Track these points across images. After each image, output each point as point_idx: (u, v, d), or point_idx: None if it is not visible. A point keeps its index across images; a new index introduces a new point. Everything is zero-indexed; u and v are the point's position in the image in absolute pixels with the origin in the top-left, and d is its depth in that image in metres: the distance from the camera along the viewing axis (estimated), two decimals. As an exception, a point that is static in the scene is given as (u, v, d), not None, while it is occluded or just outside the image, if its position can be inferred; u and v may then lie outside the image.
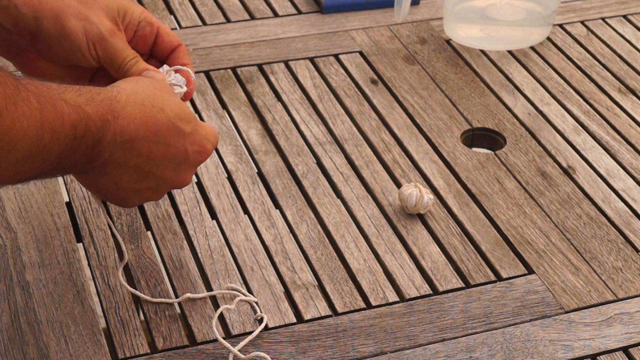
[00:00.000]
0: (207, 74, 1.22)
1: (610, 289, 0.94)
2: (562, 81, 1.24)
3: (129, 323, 0.88)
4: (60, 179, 1.03)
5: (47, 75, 0.90)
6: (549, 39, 1.32)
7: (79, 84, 0.81)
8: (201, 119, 1.14)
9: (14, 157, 0.71)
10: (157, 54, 0.94)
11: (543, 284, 0.94)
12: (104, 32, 0.88)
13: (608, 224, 1.01)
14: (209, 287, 0.92)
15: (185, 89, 0.90)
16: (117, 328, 0.87)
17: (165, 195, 1.01)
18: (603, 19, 1.37)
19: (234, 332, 0.87)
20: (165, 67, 0.91)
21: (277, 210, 1.01)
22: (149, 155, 0.83)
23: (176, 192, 1.02)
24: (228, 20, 1.33)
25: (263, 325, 0.87)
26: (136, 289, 0.91)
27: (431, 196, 1.00)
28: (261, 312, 0.89)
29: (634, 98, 1.21)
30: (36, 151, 0.73)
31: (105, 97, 0.79)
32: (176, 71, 0.90)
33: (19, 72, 0.91)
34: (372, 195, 1.04)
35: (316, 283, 0.93)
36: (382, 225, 1.00)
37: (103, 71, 0.91)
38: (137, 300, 0.90)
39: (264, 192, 1.03)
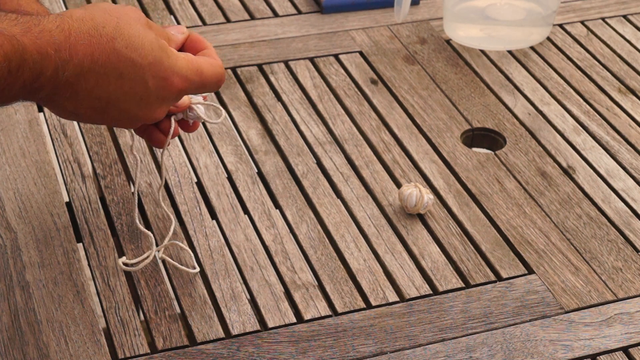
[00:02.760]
0: (207, 74, 1.22)
1: (610, 289, 0.94)
2: (562, 81, 1.24)
3: (129, 323, 0.88)
4: (60, 179, 1.03)
5: None
6: (549, 39, 1.32)
7: None
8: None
9: None
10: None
11: (543, 284, 0.94)
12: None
13: (608, 224, 1.01)
14: (209, 287, 0.92)
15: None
16: (117, 328, 0.87)
17: (166, 196, 1.01)
18: (603, 19, 1.37)
19: (234, 332, 0.87)
20: None
21: (277, 210, 1.01)
22: (101, 89, 0.77)
23: (176, 192, 1.02)
24: (228, 20, 1.33)
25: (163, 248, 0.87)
26: (136, 289, 0.91)
27: (431, 196, 1.00)
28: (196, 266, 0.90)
29: (634, 98, 1.21)
30: None
31: (46, 27, 0.74)
32: None
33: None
34: (372, 195, 1.04)
35: (316, 283, 0.93)
36: (382, 225, 1.00)
37: None
38: (137, 300, 0.90)
39: (264, 192, 1.04)
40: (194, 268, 0.93)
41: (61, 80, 0.75)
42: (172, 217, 0.94)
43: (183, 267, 0.92)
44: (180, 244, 0.94)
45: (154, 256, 0.92)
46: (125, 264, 0.92)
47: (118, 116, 0.81)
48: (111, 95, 0.79)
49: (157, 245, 0.95)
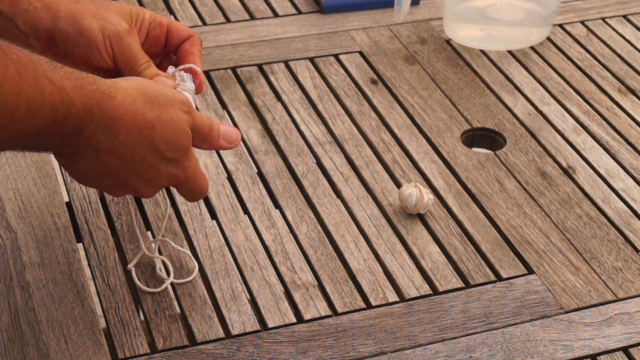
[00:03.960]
0: (207, 74, 1.22)
1: (610, 289, 0.94)
2: (562, 81, 1.24)
3: (129, 323, 0.88)
4: (60, 179, 1.03)
5: None
6: (549, 39, 1.32)
7: None
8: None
9: None
10: (170, 48, 0.93)
11: (543, 284, 0.94)
12: (121, 31, 0.88)
13: (608, 224, 1.01)
14: (209, 287, 0.92)
15: (192, 88, 0.89)
16: (117, 328, 0.87)
17: (166, 196, 1.01)
18: (603, 19, 1.37)
19: (234, 332, 0.87)
20: (171, 69, 0.91)
21: (277, 210, 1.01)
22: (121, 160, 0.80)
23: (176, 192, 1.02)
24: (228, 20, 1.33)
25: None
26: (136, 289, 0.91)
27: (431, 196, 1.00)
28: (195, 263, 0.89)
29: (634, 98, 1.21)
30: (8, 121, 0.69)
31: (98, 89, 0.76)
32: (184, 70, 0.90)
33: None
34: (372, 195, 1.04)
35: (316, 283, 0.93)
36: (382, 225, 1.00)
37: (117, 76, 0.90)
38: (137, 300, 0.90)
39: (264, 192, 1.03)
40: (192, 270, 0.93)
41: (93, 143, 0.77)
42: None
43: (183, 280, 0.92)
44: (173, 244, 0.94)
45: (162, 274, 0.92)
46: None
47: (118, 183, 0.83)
48: (127, 167, 0.81)
49: (159, 252, 0.95)
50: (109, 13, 0.89)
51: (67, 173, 0.86)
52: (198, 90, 0.90)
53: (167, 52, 0.94)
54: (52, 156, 1.06)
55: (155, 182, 0.84)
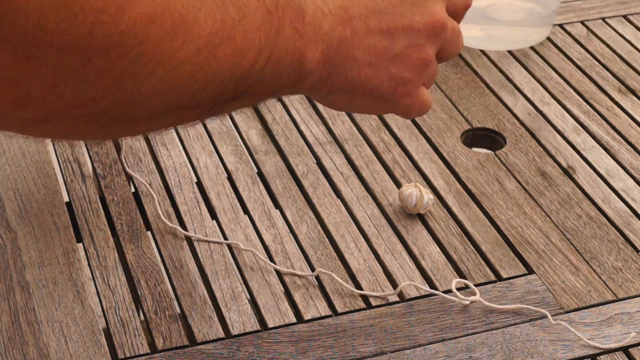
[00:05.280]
0: (207, 74, 1.22)
1: (610, 289, 0.94)
2: (562, 81, 1.24)
3: (129, 323, 0.88)
4: (60, 179, 1.03)
5: None
6: (549, 39, 1.32)
7: None
8: (201, 119, 1.14)
9: (198, 36, 0.55)
10: None
11: (543, 284, 0.94)
12: None
13: (608, 224, 1.01)
14: (208, 287, 0.92)
15: None
16: (117, 328, 0.87)
17: (165, 195, 1.01)
18: (603, 19, 1.37)
19: (234, 332, 0.87)
20: None
21: (277, 210, 1.01)
22: (368, 39, 0.68)
23: (176, 192, 1.02)
24: (228, 20, 1.33)
25: None
26: (136, 289, 0.91)
27: (431, 196, 1.00)
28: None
29: (634, 98, 1.21)
30: (224, 31, 0.56)
31: None
32: None
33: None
34: (372, 195, 1.04)
35: (316, 283, 0.93)
36: (382, 225, 1.00)
37: None
38: (137, 300, 0.90)
39: (264, 192, 1.03)
40: (192, 270, 0.93)
41: (327, 15, 0.65)
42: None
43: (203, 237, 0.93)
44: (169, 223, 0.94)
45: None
46: None
47: (409, 48, 0.71)
48: (390, 24, 0.69)
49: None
50: None
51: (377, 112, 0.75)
52: None
53: None
54: (52, 156, 1.06)
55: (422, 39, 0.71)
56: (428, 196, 1.00)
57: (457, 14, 0.76)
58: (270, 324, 0.88)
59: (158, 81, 0.54)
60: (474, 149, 1.12)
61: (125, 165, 1.05)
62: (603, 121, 1.17)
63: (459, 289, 0.92)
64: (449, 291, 0.92)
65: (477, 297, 0.90)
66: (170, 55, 0.53)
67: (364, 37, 0.67)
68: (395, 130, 1.14)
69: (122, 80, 0.52)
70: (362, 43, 0.68)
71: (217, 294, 0.91)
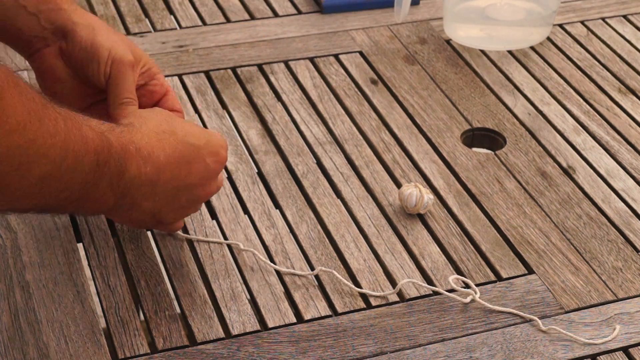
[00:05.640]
0: (207, 74, 1.22)
1: (610, 289, 0.94)
2: (562, 81, 1.24)
3: (129, 323, 0.88)
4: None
5: (56, 77, 0.92)
6: (549, 39, 1.32)
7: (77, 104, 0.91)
8: (201, 119, 1.14)
9: (33, 176, 0.70)
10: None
11: (543, 284, 0.94)
12: (125, 60, 0.92)
13: (608, 224, 1.01)
14: (208, 287, 0.92)
15: None
16: (117, 328, 0.87)
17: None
18: (603, 19, 1.37)
19: (234, 332, 0.87)
20: None
21: (277, 210, 1.01)
22: (175, 179, 0.86)
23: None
24: (228, 20, 1.33)
25: None
26: (136, 289, 0.91)
27: (431, 196, 1.00)
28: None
29: (634, 98, 1.21)
30: (57, 174, 0.72)
31: (124, 128, 0.82)
32: None
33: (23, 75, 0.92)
34: (372, 195, 1.04)
35: (316, 283, 0.93)
36: (382, 225, 1.00)
37: (97, 107, 0.94)
38: (137, 300, 0.90)
39: (264, 192, 1.03)
40: (192, 270, 0.93)
41: (143, 177, 0.83)
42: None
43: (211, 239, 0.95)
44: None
45: None
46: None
47: (186, 203, 0.90)
48: (183, 181, 0.87)
49: None
50: (123, 43, 0.93)
51: (144, 227, 0.95)
52: None
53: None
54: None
55: (211, 173, 0.90)
56: (428, 196, 1.00)
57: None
58: (270, 324, 0.88)
59: None
60: (474, 149, 1.12)
61: None
62: (603, 121, 1.17)
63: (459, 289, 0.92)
64: (449, 290, 0.92)
65: (477, 296, 0.90)
66: (7, 183, 0.68)
67: (164, 193, 0.86)
68: (395, 130, 1.14)
69: None
70: (160, 197, 0.86)
71: (217, 294, 0.91)
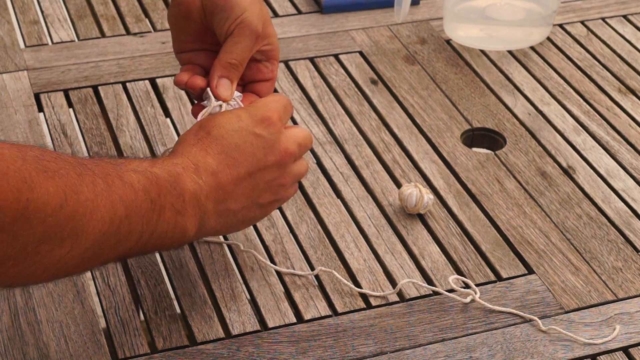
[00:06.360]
0: (207, 74, 1.22)
1: (610, 289, 0.94)
2: (562, 81, 1.24)
3: (129, 323, 0.88)
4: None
5: (188, 12, 0.92)
6: (549, 39, 1.32)
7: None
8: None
9: (86, 241, 0.72)
10: (246, 77, 0.96)
11: (543, 284, 0.94)
12: (253, 27, 0.90)
13: (608, 224, 1.01)
14: (208, 287, 0.92)
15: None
16: (117, 328, 0.87)
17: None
18: (603, 19, 1.37)
19: (234, 332, 0.87)
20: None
21: (277, 210, 1.01)
22: (239, 175, 0.84)
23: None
24: (228, 20, 1.33)
25: None
26: (136, 289, 0.91)
27: (431, 196, 1.00)
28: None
29: (634, 98, 1.21)
30: (111, 229, 0.74)
31: (164, 159, 0.82)
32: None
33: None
34: (372, 195, 1.04)
35: (316, 283, 0.93)
36: (382, 225, 1.00)
37: (202, 55, 0.94)
38: (137, 300, 0.90)
39: (264, 192, 1.03)
40: (191, 270, 0.93)
41: (204, 187, 0.82)
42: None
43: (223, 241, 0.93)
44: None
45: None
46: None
47: (267, 185, 0.87)
48: (248, 169, 0.85)
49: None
50: (260, 13, 0.92)
51: (221, 234, 0.93)
52: None
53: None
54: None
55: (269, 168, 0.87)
56: (428, 196, 1.00)
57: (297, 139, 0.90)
58: (270, 324, 0.88)
59: (48, 268, 0.71)
60: (474, 149, 1.12)
61: None
62: (603, 121, 1.17)
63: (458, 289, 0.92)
64: (449, 290, 0.92)
65: (477, 296, 0.90)
66: (57, 259, 0.70)
67: (233, 189, 0.84)
68: (395, 130, 1.14)
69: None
70: (233, 194, 0.84)
71: (217, 294, 0.91)
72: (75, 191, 0.71)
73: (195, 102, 0.93)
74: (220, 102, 0.90)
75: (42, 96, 1.15)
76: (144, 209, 0.76)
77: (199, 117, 0.89)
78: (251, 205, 0.86)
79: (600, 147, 1.13)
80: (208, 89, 0.90)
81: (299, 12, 1.36)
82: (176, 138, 1.10)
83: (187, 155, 0.83)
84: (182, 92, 1.18)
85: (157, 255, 0.95)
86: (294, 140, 0.88)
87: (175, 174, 0.80)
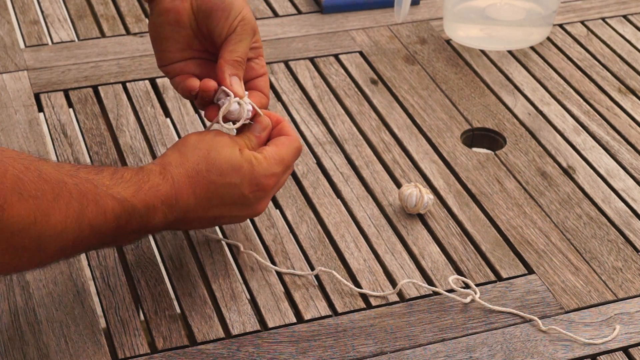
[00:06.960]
0: (207, 74, 1.22)
1: (610, 289, 0.94)
2: (562, 81, 1.24)
3: (129, 323, 0.88)
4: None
5: (177, 19, 0.92)
6: (549, 39, 1.32)
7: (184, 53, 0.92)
8: (202, 119, 1.14)
9: (45, 255, 0.77)
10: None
11: (543, 284, 0.94)
12: (253, 23, 0.92)
13: (608, 224, 1.01)
14: (208, 287, 0.92)
15: (235, 126, 0.91)
16: (117, 328, 0.87)
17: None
18: (603, 19, 1.37)
19: (234, 332, 0.87)
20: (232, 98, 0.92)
21: (277, 210, 1.01)
22: (207, 214, 0.87)
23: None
24: (228, 20, 1.33)
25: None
26: (136, 289, 0.91)
27: (431, 196, 1.00)
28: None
29: (634, 98, 1.21)
30: (72, 246, 0.78)
31: (154, 184, 0.83)
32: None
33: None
34: (372, 195, 1.04)
35: (316, 283, 0.93)
36: (382, 225, 1.00)
37: (193, 63, 0.95)
38: (137, 300, 0.90)
39: (264, 192, 1.03)
40: (191, 270, 0.93)
41: (169, 220, 0.85)
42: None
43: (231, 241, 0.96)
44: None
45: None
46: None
47: (228, 221, 0.93)
48: (217, 214, 0.88)
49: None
50: (250, 12, 0.93)
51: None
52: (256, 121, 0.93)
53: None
54: (52, 156, 1.06)
55: (251, 201, 0.89)
56: (428, 196, 1.00)
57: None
58: (270, 324, 0.88)
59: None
60: (474, 149, 1.12)
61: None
62: (603, 121, 1.17)
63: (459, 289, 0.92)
64: (449, 290, 0.92)
65: (477, 296, 0.90)
66: (13, 267, 0.77)
67: (196, 220, 0.89)
68: (395, 130, 1.14)
69: None
70: (193, 222, 0.89)
71: (217, 294, 0.91)
72: (46, 214, 0.74)
73: (197, 105, 0.94)
74: (237, 99, 0.90)
75: (42, 96, 1.15)
76: (109, 232, 0.80)
77: (220, 115, 0.90)
78: (210, 224, 0.94)
79: (600, 147, 1.13)
80: (222, 87, 0.90)
81: (299, 12, 1.36)
82: (176, 138, 1.10)
83: (177, 185, 0.84)
84: (182, 92, 1.18)
85: (157, 255, 0.95)
86: (272, 194, 0.92)
87: (152, 207, 0.83)
